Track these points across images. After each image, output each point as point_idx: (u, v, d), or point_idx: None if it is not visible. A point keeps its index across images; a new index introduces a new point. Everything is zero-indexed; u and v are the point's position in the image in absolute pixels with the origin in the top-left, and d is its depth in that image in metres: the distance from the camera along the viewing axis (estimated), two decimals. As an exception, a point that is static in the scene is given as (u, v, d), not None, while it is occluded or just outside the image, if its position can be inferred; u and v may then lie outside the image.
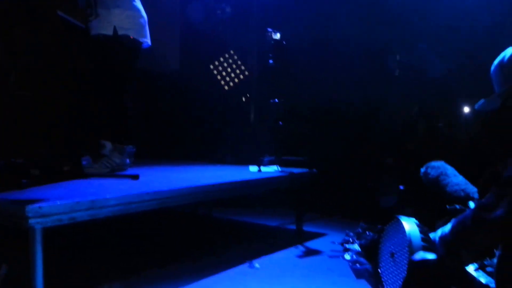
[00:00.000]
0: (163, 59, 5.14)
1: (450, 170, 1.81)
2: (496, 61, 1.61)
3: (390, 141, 4.17)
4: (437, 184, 1.81)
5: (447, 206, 1.72)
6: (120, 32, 3.00)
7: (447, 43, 3.96)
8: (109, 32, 2.98)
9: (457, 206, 1.71)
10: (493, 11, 3.59)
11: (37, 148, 2.51)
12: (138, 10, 3.13)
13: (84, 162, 2.98)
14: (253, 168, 3.69)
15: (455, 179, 1.77)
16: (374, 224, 3.04)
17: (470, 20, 3.74)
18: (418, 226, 1.86)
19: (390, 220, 2.04)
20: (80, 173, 2.68)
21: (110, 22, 2.98)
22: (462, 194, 1.71)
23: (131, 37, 3.04)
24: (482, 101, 1.65)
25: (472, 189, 1.72)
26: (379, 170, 4.06)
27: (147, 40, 3.21)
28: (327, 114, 4.61)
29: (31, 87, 2.51)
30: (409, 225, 1.88)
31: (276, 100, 3.76)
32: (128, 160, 3.18)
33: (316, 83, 4.62)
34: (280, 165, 3.70)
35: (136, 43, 3.11)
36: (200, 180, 2.91)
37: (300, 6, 4.62)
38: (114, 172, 3.02)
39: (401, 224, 1.93)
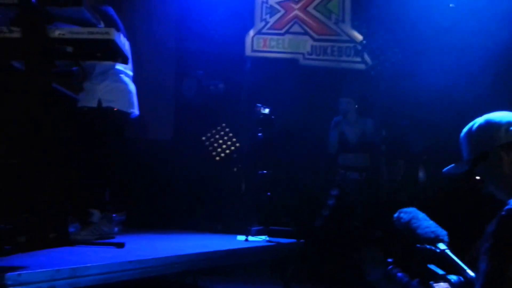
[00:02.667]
0: (158, 128, 5.32)
1: (421, 215, 1.84)
2: (465, 129, 1.66)
3: (378, 214, 4.23)
4: (408, 227, 1.83)
5: (417, 245, 1.75)
6: (104, 104, 3.14)
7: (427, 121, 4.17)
8: (94, 104, 3.13)
9: (427, 246, 1.74)
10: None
11: (24, 215, 2.53)
12: (125, 83, 3.27)
13: (71, 229, 2.99)
14: (241, 238, 3.69)
15: (426, 222, 1.80)
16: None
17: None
18: None
19: None
20: (66, 241, 2.68)
21: (95, 95, 3.14)
22: (432, 235, 1.72)
23: (115, 108, 3.17)
24: (451, 166, 1.72)
25: (442, 232, 1.74)
26: (365, 242, 4.06)
27: (134, 110, 3.33)
28: (314, 186, 4.70)
29: (19, 155, 2.57)
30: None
31: (265, 171, 3.86)
32: (116, 229, 3.19)
33: (303, 155, 4.78)
34: (268, 235, 3.70)
35: (121, 114, 3.23)
36: (186, 249, 2.92)
37: (286, 85, 4.91)
38: (101, 240, 3.03)
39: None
